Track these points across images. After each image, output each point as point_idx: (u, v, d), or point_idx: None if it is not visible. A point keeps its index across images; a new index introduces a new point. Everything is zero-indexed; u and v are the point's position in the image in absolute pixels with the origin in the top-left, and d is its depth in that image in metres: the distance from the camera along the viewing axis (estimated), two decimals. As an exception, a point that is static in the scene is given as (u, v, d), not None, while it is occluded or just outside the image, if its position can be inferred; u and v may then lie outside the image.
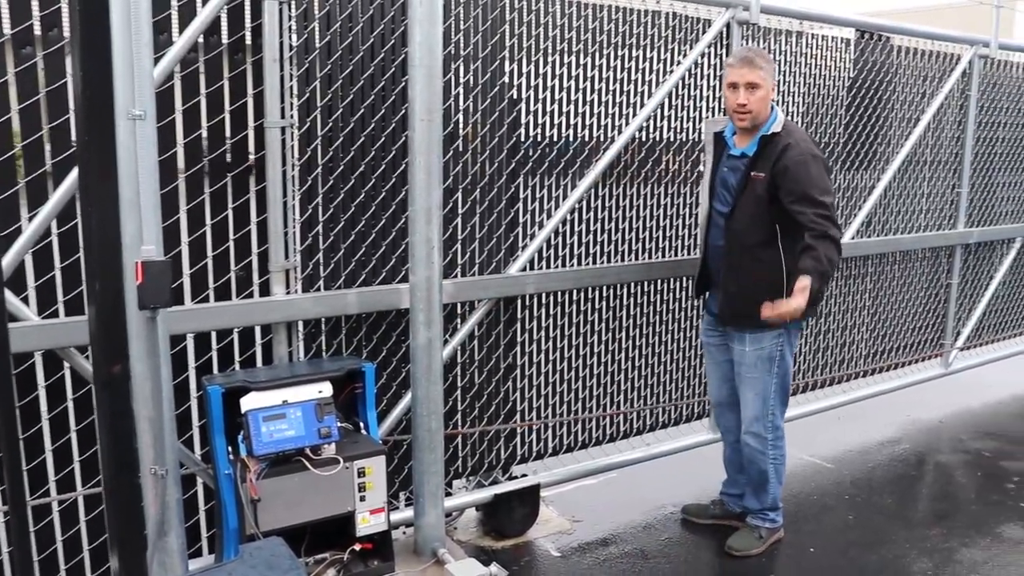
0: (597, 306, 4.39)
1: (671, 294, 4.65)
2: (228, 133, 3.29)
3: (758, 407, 3.97)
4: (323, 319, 3.57)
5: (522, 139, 3.99)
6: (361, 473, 3.23)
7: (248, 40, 3.27)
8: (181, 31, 3.09)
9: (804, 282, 3.58)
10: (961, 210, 6.12)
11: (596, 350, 4.43)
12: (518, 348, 4.16)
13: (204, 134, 3.22)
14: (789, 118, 4.91)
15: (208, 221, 3.28)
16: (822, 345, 5.48)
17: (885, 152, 5.59)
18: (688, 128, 4.56)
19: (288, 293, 3.44)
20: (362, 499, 3.25)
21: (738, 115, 3.79)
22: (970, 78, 5.97)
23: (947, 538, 4.28)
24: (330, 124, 3.46)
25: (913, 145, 5.69)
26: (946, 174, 6.05)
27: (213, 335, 3.36)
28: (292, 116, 3.37)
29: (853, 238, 5.40)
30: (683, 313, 4.71)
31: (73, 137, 2.85)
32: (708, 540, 4.25)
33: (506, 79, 3.89)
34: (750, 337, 3.89)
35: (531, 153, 4.03)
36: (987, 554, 4.13)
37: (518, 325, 4.13)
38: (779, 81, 4.85)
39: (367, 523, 3.29)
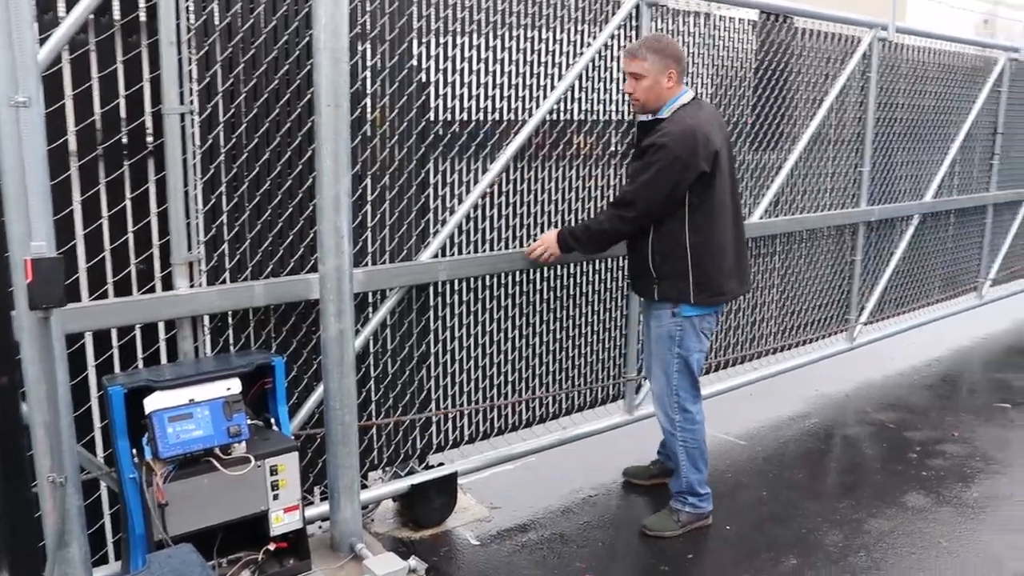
0: (510, 291, 4.35)
1: (584, 277, 4.64)
2: (124, 119, 3.12)
3: (661, 383, 4.09)
4: (230, 312, 3.44)
5: (431, 122, 3.91)
6: (274, 471, 3.13)
7: (143, 20, 3.10)
8: (68, 10, 2.90)
9: (550, 235, 4.06)
10: (863, 188, 6.28)
11: (510, 335, 4.39)
12: (431, 336, 4.09)
13: (98, 121, 3.06)
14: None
15: (104, 212, 3.11)
16: (733, 324, 5.56)
17: (791, 132, 5.69)
18: (599, 109, 4.55)
19: (192, 287, 3.29)
20: (275, 497, 3.15)
21: (631, 102, 4.03)
22: (870, 60, 6.11)
23: (856, 509, 4.40)
24: (232, 110, 3.32)
25: (818, 125, 5.80)
26: (849, 153, 6.20)
27: (113, 332, 3.20)
28: (192, 101, 3.22)
29: (761, 218, 5.49)
30: (596, 296, 4.71)
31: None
32: (626, 523, 4.28)
33: (414, 61, 3.80)
34: (654, 315, 4.06)
35: (441, 136, 3.96)
36: (893, 523, 4.26)
37: (431, 312, 4.07)
38: (688, 63, 4.87)
39: (281, 522, 3.20)
